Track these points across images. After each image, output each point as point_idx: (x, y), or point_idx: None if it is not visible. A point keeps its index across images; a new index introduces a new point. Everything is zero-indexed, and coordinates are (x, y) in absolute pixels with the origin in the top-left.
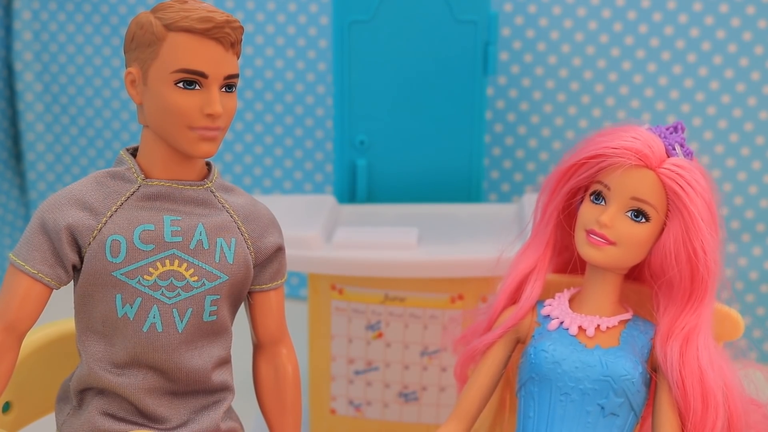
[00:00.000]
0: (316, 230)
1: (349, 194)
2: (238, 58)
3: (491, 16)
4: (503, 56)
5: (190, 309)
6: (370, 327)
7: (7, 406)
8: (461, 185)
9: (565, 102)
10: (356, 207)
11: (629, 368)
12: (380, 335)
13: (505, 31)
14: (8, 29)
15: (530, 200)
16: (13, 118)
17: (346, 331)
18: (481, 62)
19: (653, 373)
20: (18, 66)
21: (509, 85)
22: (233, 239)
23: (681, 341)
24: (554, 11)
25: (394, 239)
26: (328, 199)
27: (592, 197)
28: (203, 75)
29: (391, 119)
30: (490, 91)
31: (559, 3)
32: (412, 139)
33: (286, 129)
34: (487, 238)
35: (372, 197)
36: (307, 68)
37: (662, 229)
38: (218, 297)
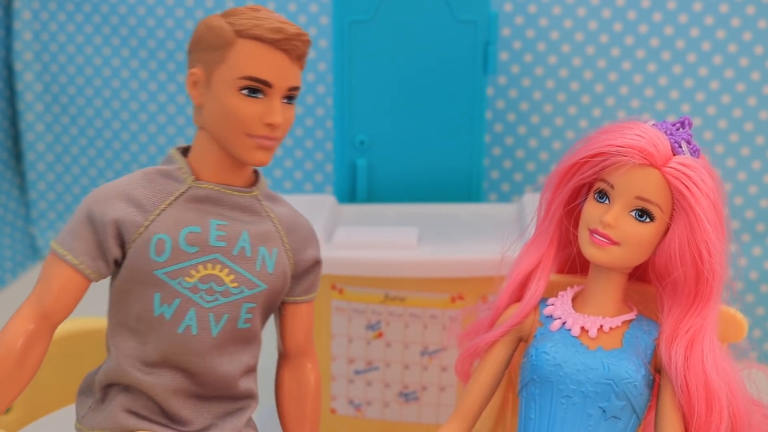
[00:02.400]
0: (316, 230)
1: (349, 194)
2: (302, 70)
3: (491, 16)
4: (503, 56)
5: (227, 315)
6: (370, 327)
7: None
8: (461, 185)
9: (565, 102)
10: (356, 207)
11: (632, 371)
12: (380, 335)
13: (505, 31)
14: (8, 29)
15: (530, 200)
16: (13, 118)
17: (346, 331)
18: (481, 62)
19: (656, 374)
20: (18, 66)
21: (509, 85)
22: (275, 249)
23: (686, 344)
24: (554, 11)
25: (394, 239)
26: (328, 199)
27: (596, 195)
28: (268, 84)
29: (391, 119)
30: (490, 91)
31: (559, 3)
32: (412, 139)
33: None
34: (487, 238)
35: (372, 197)
36: (307, 68)
37: (667, 229)
38: (255, 305)
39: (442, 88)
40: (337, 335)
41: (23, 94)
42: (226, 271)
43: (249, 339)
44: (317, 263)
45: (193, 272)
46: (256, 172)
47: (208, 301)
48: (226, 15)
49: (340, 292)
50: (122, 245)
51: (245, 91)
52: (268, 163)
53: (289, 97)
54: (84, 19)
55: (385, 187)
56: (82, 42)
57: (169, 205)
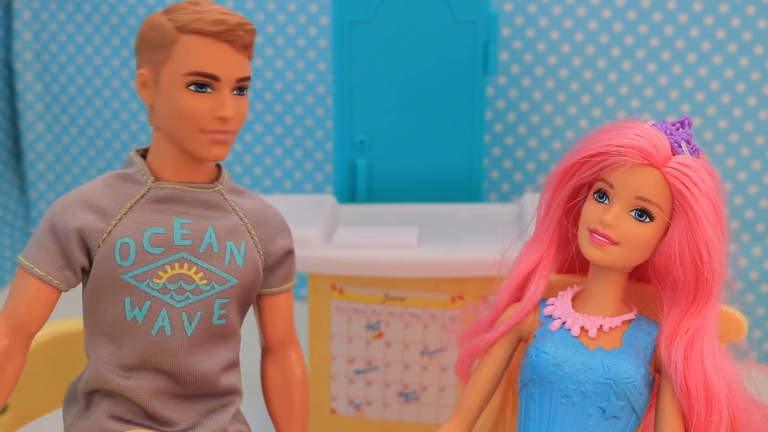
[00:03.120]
0: (316, 230)
1: (349, 194)
2: (250, 60)
3: (491, 16)
4: (503, 56)
5: (200, 313)
6: (370, 327)
7: (2, 408)
8: (461, 185)
9: (565, 102)
10: (356, 207)
11: (631, 371)
12: (380, 335)
13: (505, 31)
14: (8, 29)
15: (530, 200)
16: (13, 118)
17: (346, 331)
18: (481, 62)
19: (656, 374)
20: (18, 66)
21: (509, 85)
22: (243, 243)
23: (685, 344)
24: (554, 11)
25: (394, 239)
26: (328, 199)
27: (595, 195)
28: (215, 78)
29: (391, 119)
30: (490, 91)
31: (559, 3)
32: (412, 139)
33: (286, 129)
34: (487, 238)
35: (372, 197)
36: (307, 68)
37: (667, 229)
38: (228, 300)
39: (442, 88)
40: (337, 335)
41: (23, 94)
42: (194, 269)
43: (226, 335)
44: (289, 253)
45: (160, 273)
46: (219, 167)
47: (179, 301)
48: (167, 12)
49: (340, 292)
50: (87, 253)
51: (193, 87)
52: (225, 157)
53: (240, 89)
54: (84, 19)
55: (385, 187)
56: (82, 42)
57: (130, 208)
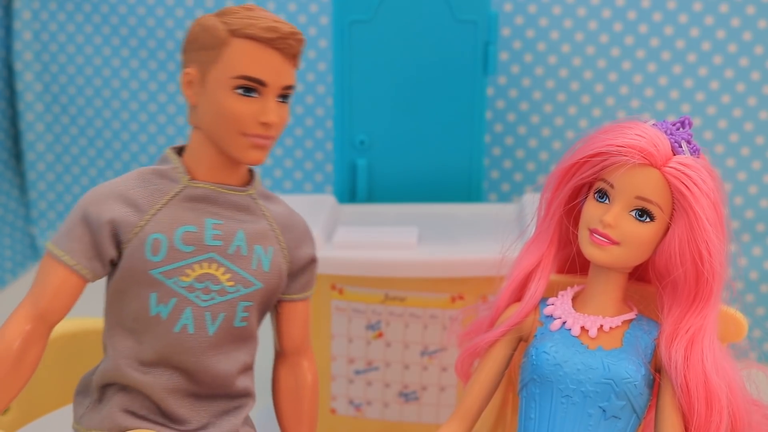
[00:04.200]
0: (316, 230)
1: (349, 194)
2: (296, 69)
3: (491, 16)
4: (503, 56)
5: (223, 313)
6: (370, 327)
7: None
8: (461, 185)
9: (565, 102)
10: (356, 207)
11: (632, 371)
12: (380, 335)
13: (505, 31)
14: (8, 29)
15: (530, 200)
16: (13, 118)
17: (346, 331)
18: (481, 62)
19: (656, 374)
20: (18, 66)
21: (509, 85)
22: (271, 248)
23: (686, 343)
24: (554, 11)
25: (394, 239)
26: (328, 199)
27: (596, 195)
28: (262, 83)
29: (391, 119)
30: (490, 91)
31: (559, 3)
32: (412, 139)
33: (286, 129)
34: (487, 238)
35: (372, 197)
36: (307, 68)
37: (667, 229)
38: (251, 304)
39: (442, 88)
40: (337, 335)
41: (23, 94)
42: (222, 270)
43: (245, 337)
44: (313, 261)
45: (188, 271)
46: (251, 171)
47: (204, 300)
48: (220, 15)
49: (340, 292)
50: (118, 245)
51: (240, 90)
52: (263, 161)
53: (284, 96)
54: (84, 19)
55: (385, 187)
56: (82, 42)
57: (164, 204)
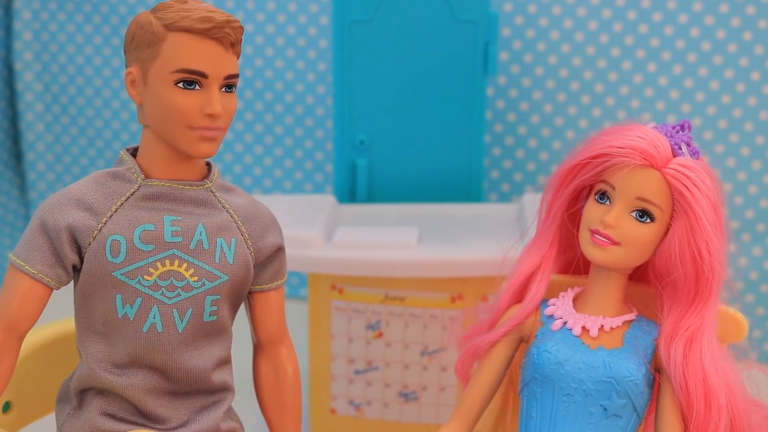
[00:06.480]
0: (316, 230)
1: (349, 194)
2: (238, 57)
3: (491, 16)
4: (503, 56)
5: (190, 309)
6: (370, 327)
7: (7, 406)
8: (461, 185)
9: (565, 102)
10: (356, 207)
11: (632, 370)
12: (380, 335)
13: (505, 31)
14: (8, 29)
15: (530, 200)
16: (13, 118)
17: (346, 331)
18: (481, 62)
19: (656, 374)
20: (18, 66)
21: (509, 85)
22: (233, 239)
23: (685, 342)
24: (554, 11)
25: (394, 239)
26: (328, 199)
27: (596, 196)
28: (203, 75)
29: (391, 119)
30: (490, 91)
31: (559, 3)
32: (412, 139)
33: (286, 129)
34: (487, 238)
35: (372, 197)
36: (307, 68)
37: (667, 230)
38: (218, 297)
39: (442, 88)
40: (337, 335)
41: (23, 94)
42: (185, 265)
43: (217, 331)
44: (280, 249)
45: (151, 270)
46: (209, 165)
47: (169, 298)
48: (155, 11)
49: (340, 292)
50: (78, 251)
51: (181, 84)
52: (214, 154)
53: (229, 86)
54: (84, 19)
55: (385, 187)
56: (82, 42)
57: (120, 206)
